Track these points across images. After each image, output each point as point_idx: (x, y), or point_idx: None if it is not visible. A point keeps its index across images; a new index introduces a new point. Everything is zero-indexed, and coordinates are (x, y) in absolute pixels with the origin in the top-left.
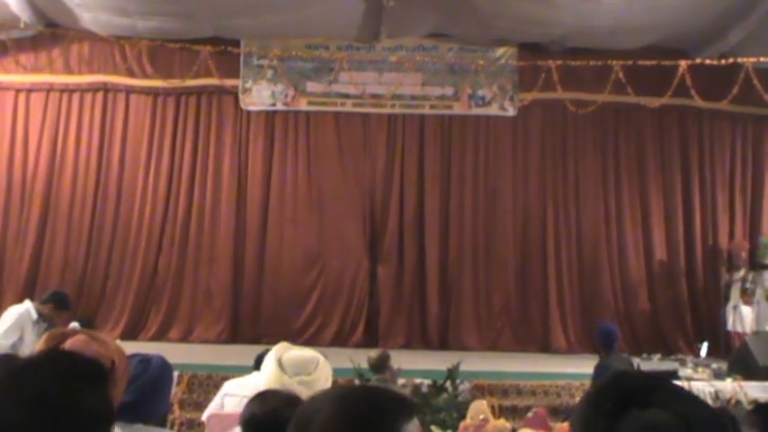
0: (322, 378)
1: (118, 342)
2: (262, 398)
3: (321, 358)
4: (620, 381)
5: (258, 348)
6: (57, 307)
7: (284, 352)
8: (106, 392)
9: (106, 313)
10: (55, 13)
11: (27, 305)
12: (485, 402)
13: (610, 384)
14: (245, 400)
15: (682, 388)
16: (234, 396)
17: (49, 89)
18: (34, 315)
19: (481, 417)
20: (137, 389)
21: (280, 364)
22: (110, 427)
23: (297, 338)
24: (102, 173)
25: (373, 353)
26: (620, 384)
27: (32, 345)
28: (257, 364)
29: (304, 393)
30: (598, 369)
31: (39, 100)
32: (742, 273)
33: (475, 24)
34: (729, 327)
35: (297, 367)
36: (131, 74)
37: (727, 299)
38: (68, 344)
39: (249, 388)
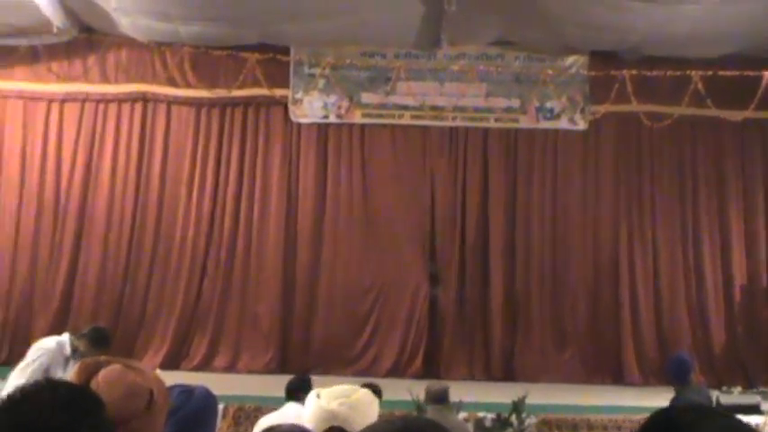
0: (365, 401)
1: (158, 372)
2: None
3: (362, 388)
4: (661, 418)
5: None
6: (92, 344)
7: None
8: (104, 423)
9: (146, 341)
10: (90, 18)
11: (63, 338)
12: None
13: (651, 424)
14: None
15: (733, 418)
16: None
17: (84, 99)
18: (68, 350)
19: None
20: (178, 421)
21: (317, 395)
22: None
23: (351, 368)
24: (140, 190)
25: (431, 383)
26: (662, 422)
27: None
28: (288, 395)
29: (345, 414)
30: (674, 403)
31: (73, 111)
32: None
33: (543, 31)
34: None
35: (335, 392)
36: (173, 83)
37: None
38: (102, 374)
39: (288, 420)
